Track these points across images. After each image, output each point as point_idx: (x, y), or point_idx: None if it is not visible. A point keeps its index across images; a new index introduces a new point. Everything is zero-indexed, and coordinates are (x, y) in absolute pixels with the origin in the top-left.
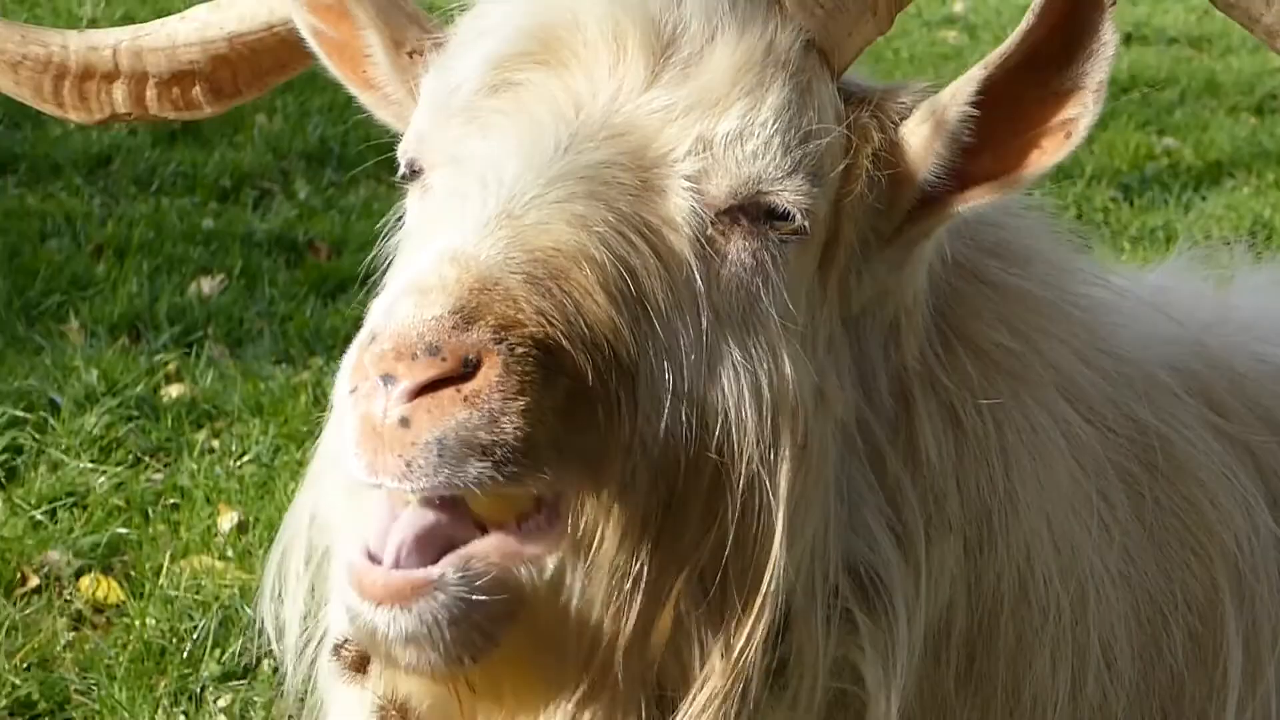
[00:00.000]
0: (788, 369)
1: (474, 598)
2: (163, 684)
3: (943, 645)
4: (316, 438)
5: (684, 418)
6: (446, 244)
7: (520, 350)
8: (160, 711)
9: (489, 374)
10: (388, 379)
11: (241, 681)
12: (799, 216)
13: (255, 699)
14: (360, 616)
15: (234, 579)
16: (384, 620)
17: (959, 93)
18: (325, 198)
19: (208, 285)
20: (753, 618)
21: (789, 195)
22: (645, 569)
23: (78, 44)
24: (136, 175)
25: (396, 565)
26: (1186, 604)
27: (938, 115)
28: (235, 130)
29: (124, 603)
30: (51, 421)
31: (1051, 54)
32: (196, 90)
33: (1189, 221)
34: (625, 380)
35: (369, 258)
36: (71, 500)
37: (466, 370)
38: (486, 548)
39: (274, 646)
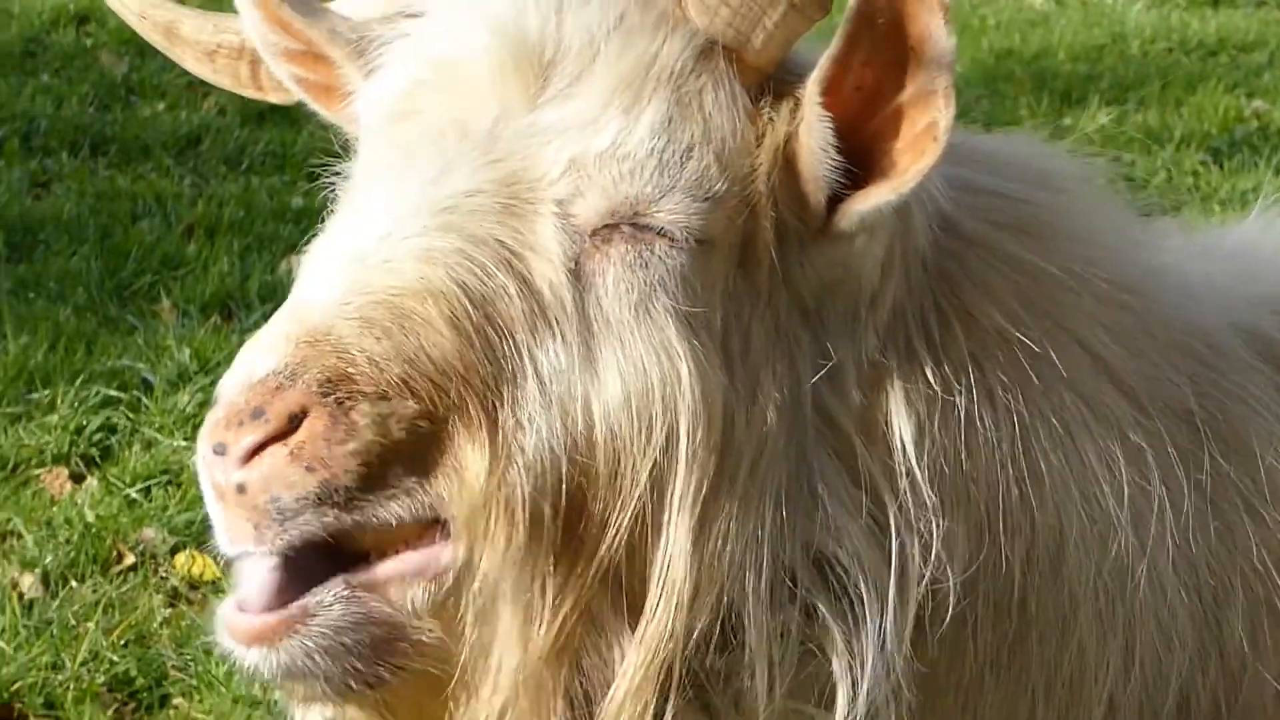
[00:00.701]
0: (685, 369)
1: (341, 629)
2: None
3: (967, 628)
4: None
5: (563, 431)
6: (294, 296)
7: (348, 402)
8: (256, 685)
9: (314, 424)
10: (219, 447)
11: None
12: (679, 233)
13: None
14: (240, 659)
15: None
16: (258, 659)
17: (809, 93)
18: None
19: (298, 263)
20: (657, 621)
21: (666, 215)
22: (544, 580)
23: None
24: (226, 155)
25: (268, 608)
26: (1252, 571)
27: (805, 113)
28: None
29: (219, 579)
30: (145, 401)
31: (905, 56)
32: None
33: None
34: (485, 405)
35: None
36: (166, 478)
37: (293, 426)
38: (358, 579)
39: None
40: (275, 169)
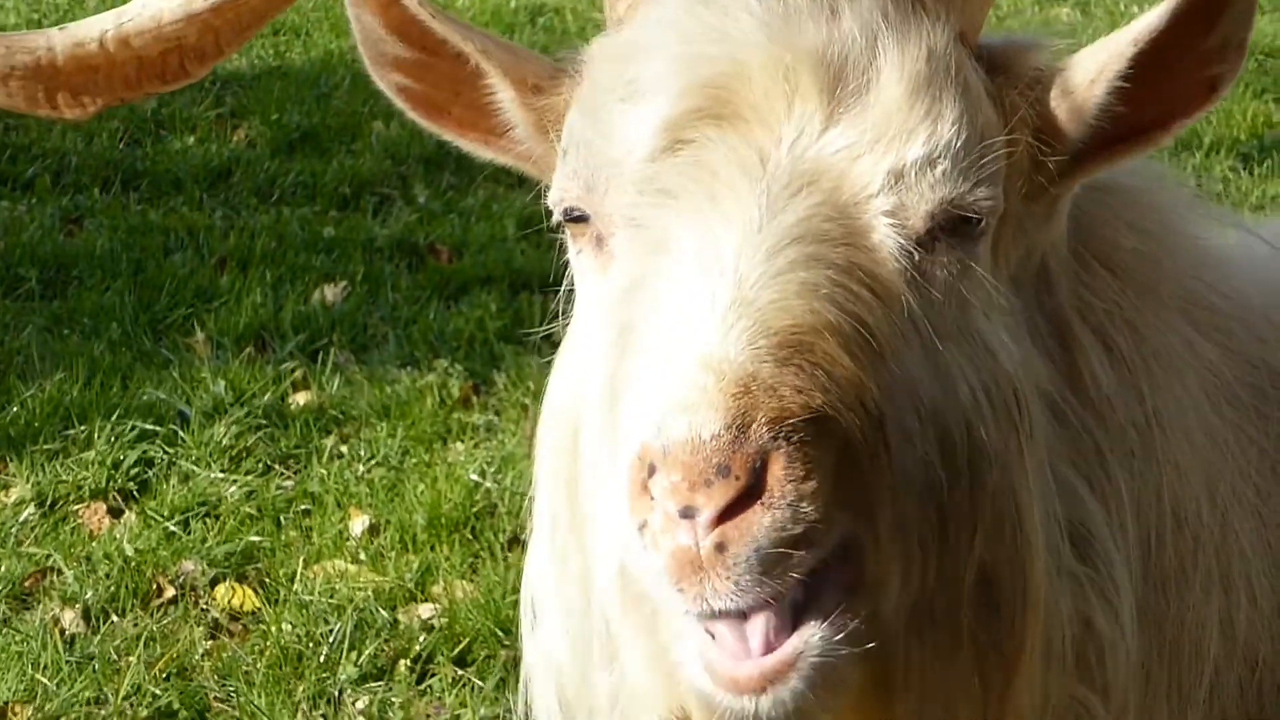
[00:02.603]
0: (1004, 361)
1: (840, 653)
2: (301, 688)
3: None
4: (445, 440)
5: (933, 442)
6: (690, 349)
7: (796, 437)
8: (299, 716)
9: (776, 471)
10: (688, 511)
11: (379, 683)
12: (985, 220)
13: (393, 699)
14: (727, 707)
15: (367, 582)
16: (754, 704)
17: (1107, 68)
18: (444, 201)
19: (331, 293)
20: (1031, 609)
21: (979, 205)
22: (930, 593)
23: (63, 42)
24: (257, 186)
25: (760, 651)
26: None
27: (1086, 88)
28: (353, 138)
29: (259, 609)
30: (181, 433)
31: (1194, 13)
32: (183, 61)
33: None
34: (876, 427)
35: (489, 259)
36: (204, 510)
37: (757, 477)
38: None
39: None
40: (306, 199)
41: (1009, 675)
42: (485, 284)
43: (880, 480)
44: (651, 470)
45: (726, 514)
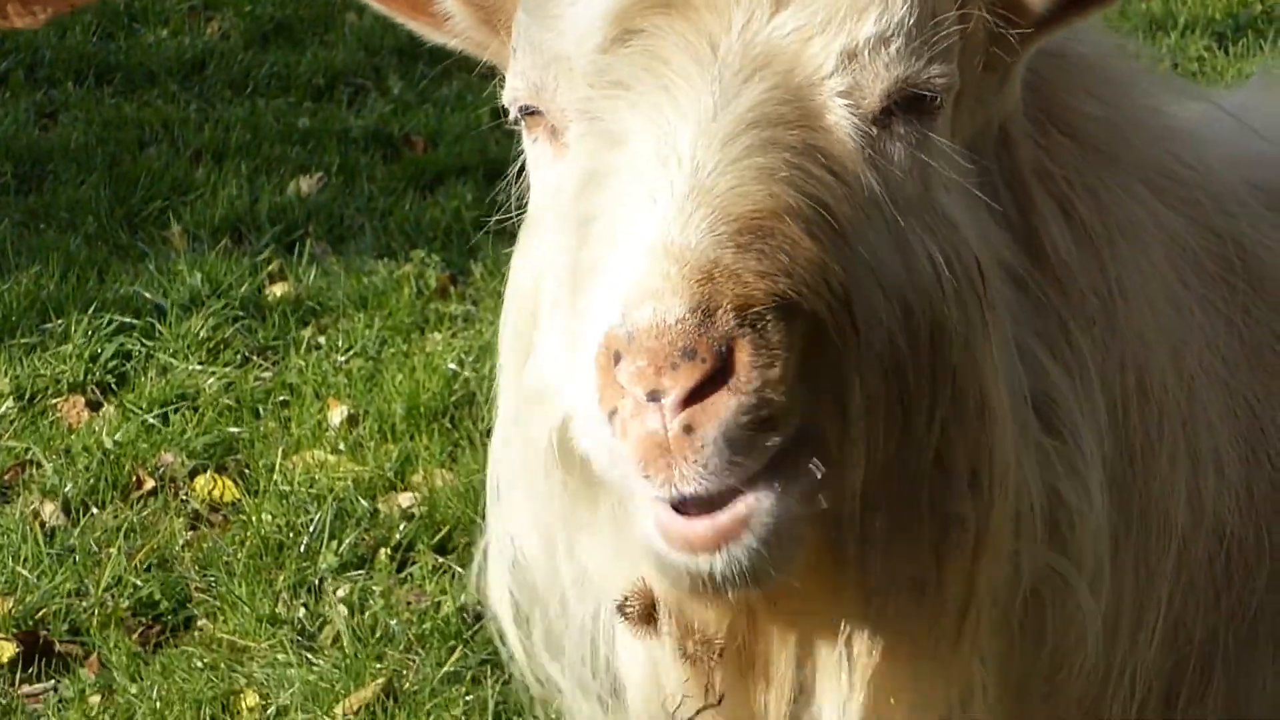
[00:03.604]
0: (965, 232)
1: (793, 513)
2: (281, 578)
3: None
4: (422, 330)
5: (899, 319)
6: (652, 237)
7: (762, 323)
8: (280, 604)
9: (742, 357)
10: (655, 394)
11: (359, 572)
12: (941, 97)
13: (373, 587)
14: (683, 567)
15: (346, 471)
16: (709, 564)
17: None
18: (419, 92)
19: (306, 184)
20: (999, 483)
21: (934, 82)
22: (894, 467)
23: None
24: (231, 78)
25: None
26: None
27: None
28: (326, 29)
29: (239, 500)
30: (158, 326)
31: None
32: None
33: None
34: (843, 307)
35: (465, 149)
36: (182, 402)
37: (723, 362)
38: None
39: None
40: (280, 91)
41: (978, 548)
42: (461, 174)
43: (849, 360)
44: (617, 358)
45: (693, 397)
